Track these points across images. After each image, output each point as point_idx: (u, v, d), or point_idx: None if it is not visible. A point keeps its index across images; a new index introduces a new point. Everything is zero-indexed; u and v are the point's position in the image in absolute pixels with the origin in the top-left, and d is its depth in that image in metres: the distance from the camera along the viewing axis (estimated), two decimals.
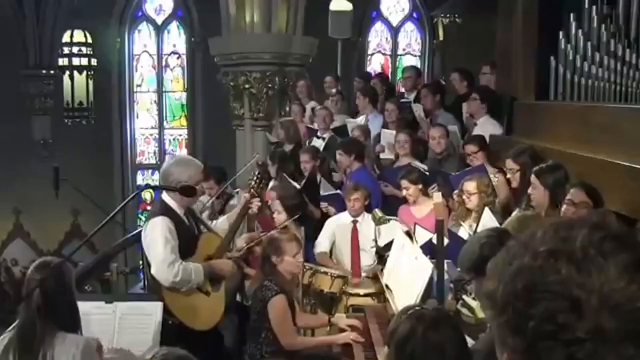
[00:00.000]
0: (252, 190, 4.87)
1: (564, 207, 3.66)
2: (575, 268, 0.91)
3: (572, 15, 5.05)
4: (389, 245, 5.12)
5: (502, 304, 0.96)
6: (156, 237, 4.15)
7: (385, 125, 7.41)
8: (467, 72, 7.77)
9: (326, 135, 7.53)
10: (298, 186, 6.28)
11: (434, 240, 4.30)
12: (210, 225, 4.84)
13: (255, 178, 4.96)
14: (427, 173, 6.01)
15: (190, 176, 4.27)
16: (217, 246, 4.51)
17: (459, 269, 3.24)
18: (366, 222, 5.65)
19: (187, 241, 4.27)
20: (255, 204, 4.84)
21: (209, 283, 4.37)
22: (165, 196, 4.34)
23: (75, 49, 11.63)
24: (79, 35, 11.58)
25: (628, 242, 0.93)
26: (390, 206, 5.92)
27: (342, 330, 4.41)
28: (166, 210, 4.26)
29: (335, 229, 5.84)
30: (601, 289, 0.89)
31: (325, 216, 6.19)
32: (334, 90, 8.72)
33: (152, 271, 4.18)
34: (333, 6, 10.15)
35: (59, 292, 3.09)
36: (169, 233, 4.14)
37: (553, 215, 3.94)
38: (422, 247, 4.42)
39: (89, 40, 11.72)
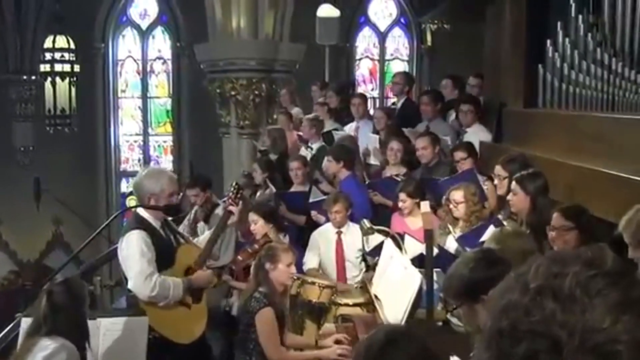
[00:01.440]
0: (229, 200, 4.88)
1: (549, 233, 3.70)
2: (560, 306, 0.90)
3: (559, 23, 5.13)
4: (375, 250, 5.17)
5: (488, 339, 0.96)
6: (132, 251, 4.15)
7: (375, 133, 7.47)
8: (458, 79, 7.87)
9: (315, 146, 7.58)
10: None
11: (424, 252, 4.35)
12: (193, 241, 4.85)
13: (232, 189, 4.96)
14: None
15: (162, 188, 4.25)
16: (196, 257, 4.50)
17: (442, 294, 3.20)
18: (350, 232, 5.65)
19: (164, 253, 4.26)
20: (233, 210, 4.80)
21: (189, 296, 4.37)
22: (140, 209, 4.34)
23: (57, 55, 11.60)
24: (61, 41, 11.56)
25: (619, 281, 0.92)
26: (380, 215, 5.96)
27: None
28: (141, 224, 4.26)
29: (320, 241, 5.85)
30: (583, 329, 0.88)
31: (316, 225, 6.20)
32: (321, 100, 8.76)
33: (129, 285, 4.18)
34: (320, 12, 10.21)
35: (65, 305, 3.19)
36: (145, 246, 4.14)
37: (532, 220, 4.02)
38: (413, 260, 4.46)
39: (72, 45, 11.70)
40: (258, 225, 5.53)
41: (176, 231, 4.64)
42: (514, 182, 4.26)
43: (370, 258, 5.66)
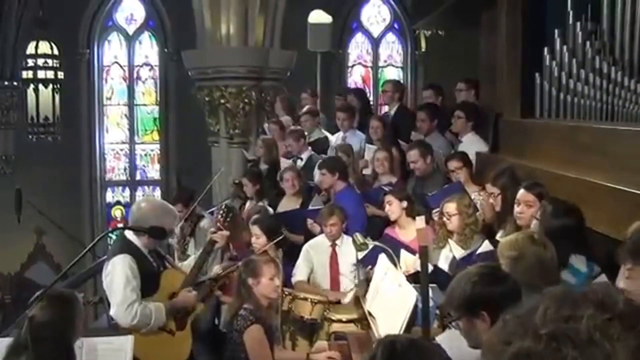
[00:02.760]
0: (218, 224, 4.88)
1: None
2: (579, 352, 0.89)
3: (556, 31, 5.14)
4: (368, 259, 5.16)
5: None
6: (116, 277, 4.18)
7: (369, 142, 7.46)
8: (440, 88, 7.97)
9: (304, 155, 7.57)
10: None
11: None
12: (179, 265, 4.86)
13: (222, 212, 4.97)
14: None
15: (165, 224, 4.32)
16: (181, 283, 4.49)
17: (443, 302, 3.23)
18: (345, 245, 5.62)
19: (149, 279, 4.28)
20: (221, 235, 4.80)
21: (173, 322, 4.38)
22: (131, 235, 4.35)
23: (40, 61, 11.51)
24: (44, 47, 11.48)
25: (634, 323, 0.91)
26: (373, 228, 5.95)
27: None
28: (129, 248, 4.28)
29: (313, 254, 5.82)
30: None
31: (311, 236, 6.18)
32: (304, 109, 8.76)
33: (111, 312, 4.23)
34: (312, 19, 10.20)
35: (50, 335, 3.12)
36: (130, 272, 4.17)
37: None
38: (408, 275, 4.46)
39: (55, 51, 11.62)
40: (259, 241, 5.51)
41: (163, 256, 4.65)
42: (525, 192, 4.27)
43: (364, 271, 5.64)
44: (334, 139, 7.96)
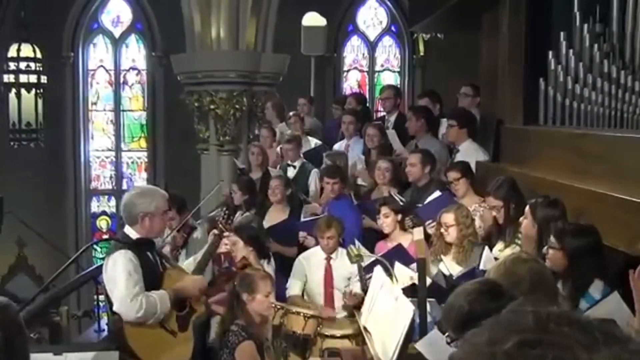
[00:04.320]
0: (220, 226, 4.94)
1: None
2: None
3: (562, 33, 5.10)
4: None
5: None
6: (118, 272, 4.18)
7: (366, 151, 7.41)
8: (437, 95, 7.94)
9: (297, 163, 7.54)
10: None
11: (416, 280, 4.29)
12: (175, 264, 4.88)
13: (223, 214, 5.00)
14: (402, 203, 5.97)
15: (157, 206, 4.33)
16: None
17: (440, 319, 3.19)
18: (341, 258, 5.59)
19: (151, 277, 4.30)
20: (225, 242, 4.91)
21: (175, 323, 4.37)
22: (128, 229, 4.37)
23: (22, 65, 11.46)
24: (26, 50, 11.43)
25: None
26: (368, 240, 5.90)
27: None
28: (129, 245, 4.29)
29: (307, 266, 5.79)
30: None
31: (303, 249, 6.14)
32: (291, 113, 8.72)
33: (115, 308, 4.20)
34: (306, 21, 10.20)
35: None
36: (132, 266, 4.18)
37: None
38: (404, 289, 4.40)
39: (38, 54, 11.58)
40: (237, 247, 5.47)
41: (163, 255, 4.69)
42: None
43: (358, 284, 5.60)
44: (337, 146, 7.95)
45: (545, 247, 3.72)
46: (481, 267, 4.64)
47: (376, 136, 7.23)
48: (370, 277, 5.03)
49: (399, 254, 5.13)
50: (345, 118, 7.99)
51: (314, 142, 8.34)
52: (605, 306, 3.30)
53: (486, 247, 4.85)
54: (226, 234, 5.00)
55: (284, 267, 5.97)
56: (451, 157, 6.68)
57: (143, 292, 4.17)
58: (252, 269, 4.93)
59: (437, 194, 5.78)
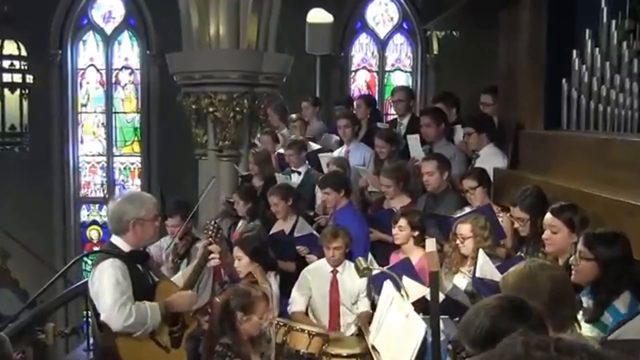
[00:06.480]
0: (209, 239, 4.99)
1: None
2: None
3: (587, 30, 5.09)
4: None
5: None
6: (105, 281, 4.20)
7: (376, 159, 7.42)
8: (454, 98, 7.90)
9: (301, 169, 7.55)
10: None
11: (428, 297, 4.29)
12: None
13: (212, 225, 5.04)
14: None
15: (148, 210, 4.37)
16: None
17: (457, 337, 3.20)
18: (347, 271, 5.61)
19: (142, 290, 4.33)
20: (214, 255, 4.98)
21: (168, 338, 4.41)
22: (115, 239, 4.40)
23: (6, 63, 11.51)
24: (10, 47, 11.49)
25: None
26: (375, 251, 5.91)
27: None
28: (117, 254, 4.31)
29: (312, 280, 5.79)
30: None
31: (304, 264, 6.14)
32: (294, 116, 8.74)
33: (103, 317, 4.21)
34: (311, 18, 10.22)
35: None
36: (121, 274, 4.21)
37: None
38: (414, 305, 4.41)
39: (23, 52, 11.63)
40: (241, 263, 5.50)
41: (151, 267, 4.72)
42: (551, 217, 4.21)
43: (366, 300, 5.61)
44: (336, 153, 7.94)
45: (572, 258, 3.71)
46: (477, 273, 4.60)
47: (385, 147, 7.25)
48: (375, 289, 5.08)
49: (404, 268, 5.12)
50: (339, 122, 7.95)
51: (315, 147, 8.34)
52: (636, 324, 3.31)
53: (481, 250, 4.80)
54: (214, 247, 5.02)
55: (281, 283, 5.95)
56: (470, 163, 6.69)
57: (132, 300, 4.20)
58: (257, 288, 4.92)
59: (470, 207, 5.72)
